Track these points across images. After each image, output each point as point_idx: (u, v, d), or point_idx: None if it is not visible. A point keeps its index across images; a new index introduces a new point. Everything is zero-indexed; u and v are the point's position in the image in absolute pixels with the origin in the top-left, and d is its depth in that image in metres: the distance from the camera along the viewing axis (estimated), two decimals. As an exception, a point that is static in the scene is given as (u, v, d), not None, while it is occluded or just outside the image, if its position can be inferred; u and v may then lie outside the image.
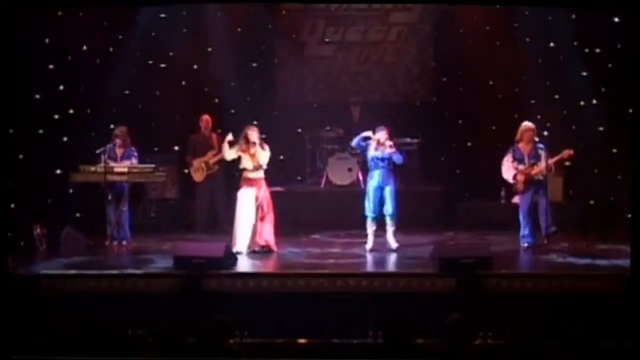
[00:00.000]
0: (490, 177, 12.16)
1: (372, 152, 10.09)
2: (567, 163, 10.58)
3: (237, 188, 10.13)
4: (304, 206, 10.61)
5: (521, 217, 10.23)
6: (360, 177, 12.83)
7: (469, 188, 12.59)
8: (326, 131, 13.25)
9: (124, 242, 10.68)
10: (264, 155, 9.99)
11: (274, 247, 10.03)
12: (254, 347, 7.63)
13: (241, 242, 9.91)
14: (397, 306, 8.34)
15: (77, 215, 11.05)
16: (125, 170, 10.56)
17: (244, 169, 10.03)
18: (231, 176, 11.90)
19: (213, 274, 8.81)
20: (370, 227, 10.11)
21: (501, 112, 12.48)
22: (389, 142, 10.03)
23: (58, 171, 10.89)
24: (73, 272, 9.15)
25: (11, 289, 7.93)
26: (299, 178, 12.73)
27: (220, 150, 11.43)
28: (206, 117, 11.78)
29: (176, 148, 12.73)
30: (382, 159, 10.04)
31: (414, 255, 9.92)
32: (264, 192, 10.06)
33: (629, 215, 8.59)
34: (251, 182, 10.03)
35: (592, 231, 10.96)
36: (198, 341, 6.25)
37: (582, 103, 11.89)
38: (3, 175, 8.26)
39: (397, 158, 10.04)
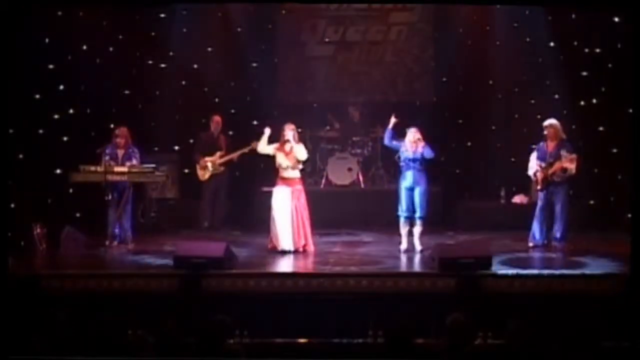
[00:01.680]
0: (490, 177, 12.20)
1: (404, 153, 10.02)
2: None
3: (273, 186, 10.12)
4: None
5: (535, 216, 10.21)
6: (361, 177, 12.84)
7: (469, 188, 12.60)
8: (326, 131, 13.25)
9: (124, 242, 10.67)
10: (300, 152, 9.94)
11: (310, 247, 10.03)
12: (254, 347, 7.63)
13: (286, 241, 9.89)
14: (397, 306, 8.33)
15: (77, 215, 11.05)
16: (125, 170, 10.55)
17: (279, 167, 9.99)
18: (235, 177, 11.97)
19: (213, 274, 8.80)
20: (404, 228, 10.06)
21: (501, 112, 12.51)
22: (418, 140, 9.94)
23: (58, 171, 10.88)
24: (73, 272, 9.14)
25: (11, 289, 7.91)
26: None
27: (227, 152, 11.45)
28: (217, 118, 11.84)
29: (176, 148, 12.75)
30: (414, 160, 9.97)
31: (414, 255, 9.91)
32: (300, 193, 10.02)
33: (629, 215, 8.59)
34: (286, 181, 10.00)
35: (592, 231, 10.96)
36: (198, 341, 6.25)
37: (582, 103, 11.90)
38: (3, 175, 8.24)
39: (428, 153, 9.94)
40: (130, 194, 10.77)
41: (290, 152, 9.94)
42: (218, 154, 11.65)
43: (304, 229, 9.99)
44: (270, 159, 10.18)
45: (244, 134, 11.76)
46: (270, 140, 10.11)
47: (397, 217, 10.10)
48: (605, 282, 8.56)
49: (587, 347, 6.07)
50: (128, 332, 6.41)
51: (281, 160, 9.97)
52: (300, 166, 10.06)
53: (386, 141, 10.34)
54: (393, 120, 10.18)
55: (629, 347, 6.65)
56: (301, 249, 9.95)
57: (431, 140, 12.26)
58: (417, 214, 9.99)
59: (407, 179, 10.02)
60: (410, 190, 10.01)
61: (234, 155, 11.49)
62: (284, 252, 9.85)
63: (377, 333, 7.78)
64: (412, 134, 10.00)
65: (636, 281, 7.29)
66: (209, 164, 11.65)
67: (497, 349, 6.38)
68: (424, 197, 10.00)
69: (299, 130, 12.84)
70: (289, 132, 9.96)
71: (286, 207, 9.91)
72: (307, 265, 9.50)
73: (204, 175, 11.75)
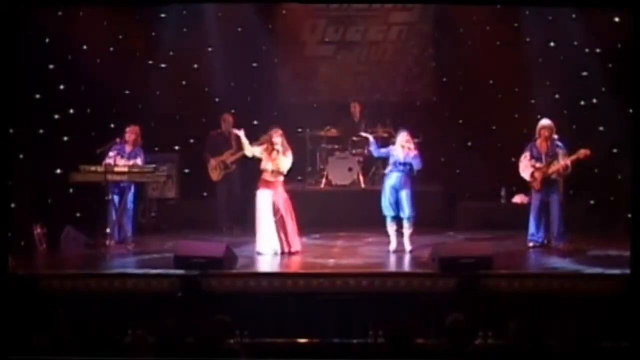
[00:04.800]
0: (490, 177, 12.19)
1: (394, 156, 9.98)
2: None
3: (256, 188, 10.09)
4: (304, 206, 10.58)
5: (531, 216, 10.20)
6: (361, 177, 12.84)
7: (469, 188, 12.59)
8: (326, 131, 13.25)
9: (124, 242, 10.67)
10: (284, 162, 9.88)
11: (296, 249, 9.98)
12: (254, 347, 7.63)
13: (263, 242, 9.89)
14: (397, 306, 8.34)
15: (77, 215, 11.05)
16: (125, 170, 10.55)
17: (264, 170, 9.97)
18: (248, 175, 11.94)
19: (213, 274, 8.80)
20: (391, 227, 10.03)
21: (501, 112, 12.51)
22: (408, 145, 9.93)
23: (58, 171, 10.89)
24: (73, 272, 9.15)
25: (11, 289, 7.92)
26: (299, 178, 12.74)
27: (238, 149, 11.45)
28: (228, 117, 11.83)
29: (176, 148, 12.75)
30: (404, 163, 9.92)
31: (414, 255, 9.91)
32: (281, 195, 9.98)
33: (629, 215, 8.59)
34: (268, 184, 9.96)
35: (592, 231, 10.96)
36: (198, 341, 6.25)
37: (582, 103, 11.90)
38: (3, 175, 8.25)
39: (416, 163, 9.90)
40: (131, 194, 10.77)
41: (275, 160, 9.90)
42: (228, 152, 11.63)
43: (286, 232, 9.93)
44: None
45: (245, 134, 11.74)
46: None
47: (384, 217, 10.08)
48: (605, 282, 8.56)
49: (587, 347, 6.07)
50: (128, 332, 6.42)
51: (266, 164, 9.94)
52: (284, 173, 9.98)
53: (375, 154, 10.41)
54: (367, 135, 10.53)
55: (629, 347, 6.65)
56: (287, 252, 9.89)
57: (431, 140, 12.35)
58: (405, 215, 9.96)
59: (393, 179, 9.96)
60: (395, 190, 9.96)
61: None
62: (260, 255, 9.84)
63: (377, 333, 7.78)
64: (404, 137, 9.98)
65: (636, 281, 7.29)
66: (220, 164, 11.65)
67: (497, 349, 6.38)
68: (409, 200, 9.94)
69: (299, 130, 12.96)
70: (277, 138, 9.89)
71: (268, 210, 9.90)
72: (307, 265, 9.49)
73: (217, 175, 11.75)
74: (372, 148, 10.35)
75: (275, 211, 9.90)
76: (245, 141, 10.14)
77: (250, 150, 10.06)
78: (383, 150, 10.22)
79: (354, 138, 13.13)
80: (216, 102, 12.73)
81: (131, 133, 10.70)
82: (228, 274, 8.90)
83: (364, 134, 10.91)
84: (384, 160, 10.40)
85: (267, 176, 9.98)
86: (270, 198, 9.93)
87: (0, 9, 7.86)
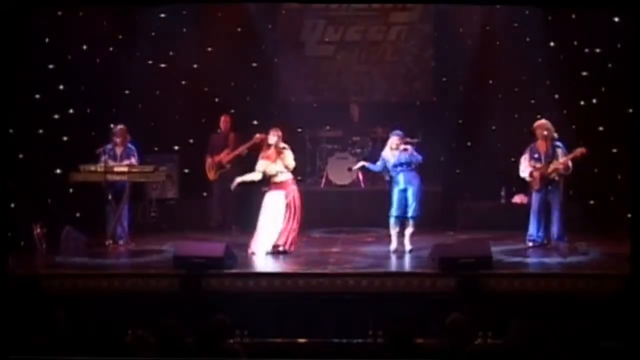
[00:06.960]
0: (490, 177, 12.18)
1: (388, 162, 10.02)
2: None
3: (266, 191, 10.10)
4: (304, 206, 10.57)
5: (531, 216, 10.19)
6: (361, 177, 12.84)
7: (469, 188, 12.59)
8: (326, 131, 13.25)
9: (124, 242, 10.67)
10: (289, 157, 9.87)
11: (292, 248, 9.95)
12: (254, 347, 7.63)
13: (259, 243, 9.85)
14: (397, 306, 8.34)
15: (77, 215, 11.05)
16: (125, 170, 10.55)
17: (271, 175, 9.94)
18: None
19: (213, 273, 8.80)
20: (394, 228, 10.01)
21: (501, 112, 12.50)
22: (402, 146, 9.96)
23: (58, 171, 10.89)
24: (73, 272, 9.15)
25: (11, 289, 7.93)
26: (299, 178, 12.70)
27: (233, 149, 11.47)
28: (224, 118, 11.85)
29: (176, 148, 12.75)
30: (401, 164, 9.96)
31: (414, 255, 9.91)
32: (293, 193, 9.95)
33: (629, 215, 8.59)
34: (278, 185, 9.94)
35: (592, 231, 10.95)
36: (198, 341, 6.25)
37: (582, 103, 11.89)
38: (3, 175, 8.25)
39: (417, 159, 9.95)
40: (128, 193, 10.76)
41: (277, 158, 9.90)
42: (224, 152, 11.64)
43: (285, 231, 9.89)
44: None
45: (243, 134, 11.74)
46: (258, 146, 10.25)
47: (388, 217, 10.08)
48: (605, 282, 8.56)
49: (587, 347, 6.07)
50: (128, 332, 6.42)
51: (268, 168, 9.93)
52: (290, 167, 9.95)
53: (376, 170, 10.52)
54: (359, 165, 10.88)
55: (628, 347, 6.65)
56: (282, 249, 9.87)
57: (431, 140, 12.34)
58: (409, 214, 9.96)
59: (400, 182, 9.99)
60: (404, 191, 9.98)
61: (240, 150, 11.45)
62: (253, 254, 9.82)
63: (377, 333, 7.78)
64: (393, 140, 10.00)
65: (636, 281, 7.30)
66: (216, 163, 11.66)
67: (497, 349, 6.38)
68: (416, 197, 9.94)
69: (299, 130, 12.96)
70: (273, 137, 9.89)
71: (276, 212, 9.87)
72: (307, 265, 9.48)
73: (212, 174, 11.76)
74: (371, 168, 10.54)
75: (287, 210, 9.87)
76: (247, 177, 10.10)
77: (255, 174, 10.02)
78: (378, 164, 10.27)
79: (354, 138, 13.15)
80: (216, 102, 12.73)
81: (118, 135, 10.68)
82: (228, 274, 8.90)
83: (356, 167, 11.18)
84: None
85: (275, 178, 9.96)
86: (282, 198, 9.90)
87: (0, 9, 7.87)
